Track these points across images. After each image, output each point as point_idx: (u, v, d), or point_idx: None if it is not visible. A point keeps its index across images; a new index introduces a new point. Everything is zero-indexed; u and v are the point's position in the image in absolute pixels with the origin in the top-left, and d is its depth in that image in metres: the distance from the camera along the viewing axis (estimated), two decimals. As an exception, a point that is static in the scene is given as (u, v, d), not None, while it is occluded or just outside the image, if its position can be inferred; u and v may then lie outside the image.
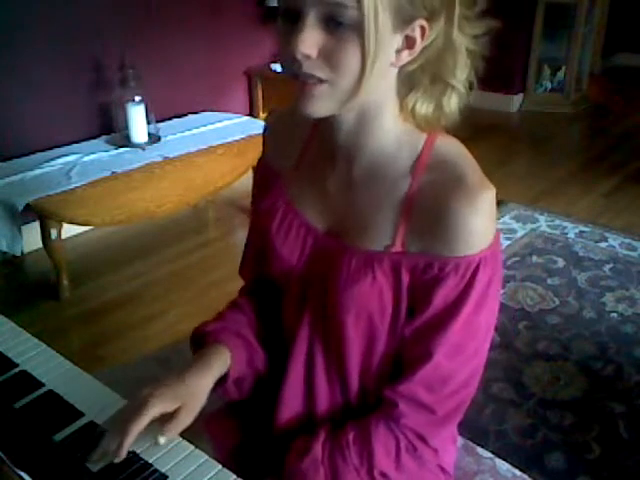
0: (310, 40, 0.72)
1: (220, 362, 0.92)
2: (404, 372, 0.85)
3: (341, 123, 0.83)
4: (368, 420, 0.87)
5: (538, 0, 4.54)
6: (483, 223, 0.79)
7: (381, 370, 0.90)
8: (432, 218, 0.79)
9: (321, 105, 0.77)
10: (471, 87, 0.83)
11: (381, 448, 0.85)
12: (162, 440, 0.81)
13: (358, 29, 0.71)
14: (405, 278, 0.82)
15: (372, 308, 0.83)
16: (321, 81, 0.75)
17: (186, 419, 0.84)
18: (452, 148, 0.84)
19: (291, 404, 0.94)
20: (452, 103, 0.82)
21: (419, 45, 0.76)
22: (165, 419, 0.83)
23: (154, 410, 0.82)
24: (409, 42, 0.76)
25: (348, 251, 0.85)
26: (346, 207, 0.87)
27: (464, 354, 0.83)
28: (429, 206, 0.80)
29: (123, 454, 0.79)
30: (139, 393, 0.84)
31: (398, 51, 0.76)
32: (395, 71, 0.80)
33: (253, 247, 1.04)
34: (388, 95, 0.81)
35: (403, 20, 0.73)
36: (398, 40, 0.75)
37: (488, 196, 0.79)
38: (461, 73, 0.80)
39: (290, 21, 0.74)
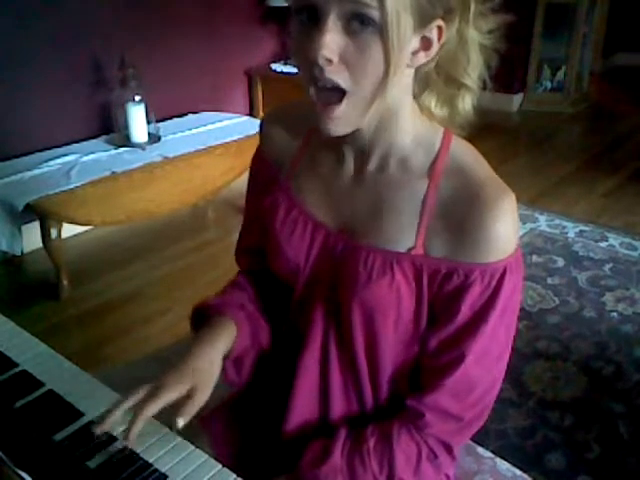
0: (333, 43, 0.69)
1: (226, 334, 0.91)
2: (428, 382, 0.84)
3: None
4: (390, 426, 0.85)
5: (538, 0, 4.54)
6: (506, 229, 0.77)
7: (397, 377, 0.88)
8: (454, 225, 0.78)
9: (345, 123, 0.76)
10: (485, 86, 0.82)
11: (402, 456, 0.83)
12: (180, 423, 0.81)
13: (380, 31, 0.69)
14: (425, 283, 0.80)
15: (388, 310, 0.81)
16: (341, 92, 0.72)
17: (201, 398, 0.84)
18: (467, 153, 0.83)
19: (303, 409, 0.91)
20: (466, 103, 0.81)
21: (435, 46, 0.75)
22: (176, 404, 0.83)
23: (169, 396, 0.82)
24: (425, 43, 0.74)
25: (364, 250, 0.82)
26: (357, 204, 0.85)
27: (489, 359, 0.82)
28: (450, 212, 0.78)
29: (132, 437, 0.79)
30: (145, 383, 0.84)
31: (414, 52, 0.74)
32: (411, 72, 0.78)
33: (248, 239, 1.03)
34: (404, 96, 0.80)
35: (422, 20, 0.72)
36: (416, 41, 0.74)
37: (509, 201, 0.78)
38: (474, 72, 0.79)
39: (307, 19, 0.71)
